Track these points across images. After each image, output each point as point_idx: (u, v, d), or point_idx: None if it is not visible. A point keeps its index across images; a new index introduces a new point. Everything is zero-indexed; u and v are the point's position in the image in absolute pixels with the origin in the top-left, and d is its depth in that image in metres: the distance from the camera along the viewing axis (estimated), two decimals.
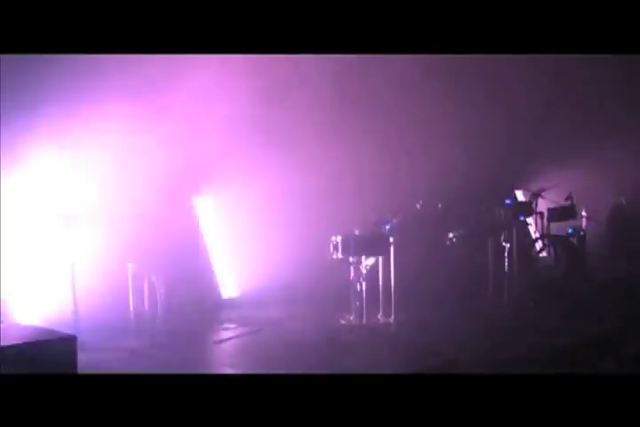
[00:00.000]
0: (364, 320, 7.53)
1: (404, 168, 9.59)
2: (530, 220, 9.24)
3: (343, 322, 7.74)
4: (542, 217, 9.20)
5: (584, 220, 9.90)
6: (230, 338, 7.41)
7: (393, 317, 7.74)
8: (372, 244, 7.61)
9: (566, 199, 9.25)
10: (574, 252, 9.33)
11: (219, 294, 9.27)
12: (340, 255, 7.51)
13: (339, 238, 7.50)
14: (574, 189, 9.38)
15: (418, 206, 9.14)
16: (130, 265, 7.67)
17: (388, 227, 7.88)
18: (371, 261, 7.64)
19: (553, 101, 10.19)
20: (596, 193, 10.36)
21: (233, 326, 8.01)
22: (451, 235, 8.88)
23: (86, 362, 4.99)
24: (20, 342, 4.66)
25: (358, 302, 7.60)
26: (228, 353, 7.03)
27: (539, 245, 9.53)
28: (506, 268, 8.43)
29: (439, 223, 10.09)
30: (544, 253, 9.55)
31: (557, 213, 9.27)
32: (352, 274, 7.68)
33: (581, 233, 9.56)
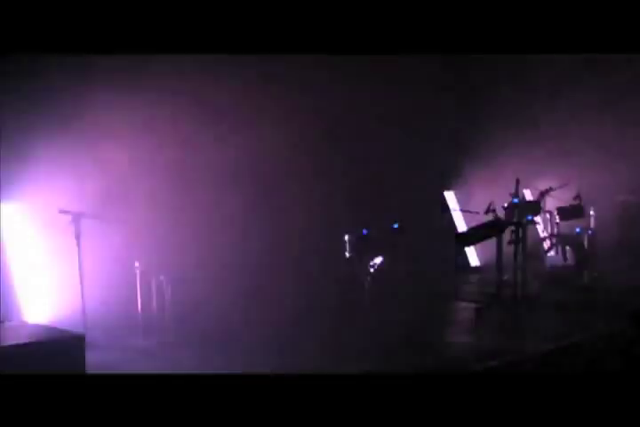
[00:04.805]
0: (371, 320, 7.52)
1: (411, 167, 9.60)
2: (537, 219, 9.23)
3: (350, 321, 7.74)
4: (550, 216, 9.19)
5: (592, 219, 9.88)
6: (237, 337, 7.41)
7: (400, 316, 7.73)
8: (380, 243, 7.61)
9: (574, 198, 9.24)
10: (582, 251, 9.32)
11: (227, 294, 9.26)
12: (347, 254, 7.51)
13: (347, 237, 7.51)
14: (583, 188, 9.37)
15: (425, 206, 9.15)
16: (137, 264, 7.69)
17: (395, 226, 7.89)
18: (378, 260, 7.63)
19: (558, 99, 10.18)
20: (604, 192, 10.34)
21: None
22: (459, 234, 8.88)
23: (94, 361, 5.01)
24: (29, 340, 4.69)
25: (366, 301, 7.60)
26: (235, 352, 7.02)
27: (546, 244, 9.52)
28: (513, 267, 8.43)
29: (445, 223, 10.13)
30: (552, 253, 9.54)
31: (566, 213, 9.26)
32: (360, 273, 7.69)
33: (590, 232, 9.56)
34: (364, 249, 7.52)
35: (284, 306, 8.39)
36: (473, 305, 8.34)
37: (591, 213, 9.90)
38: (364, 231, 7.71)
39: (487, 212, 8.23)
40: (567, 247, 9.40)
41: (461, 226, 10.76)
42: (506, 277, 8.50)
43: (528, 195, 10.80)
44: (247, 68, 7.66)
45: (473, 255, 11.06)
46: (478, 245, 10.05)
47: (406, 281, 7.90)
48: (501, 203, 8.58)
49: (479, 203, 8.56)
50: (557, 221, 9.27)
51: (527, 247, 8.51)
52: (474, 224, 8.84)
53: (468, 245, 9.75)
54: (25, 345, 4.60)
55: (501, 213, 8.50)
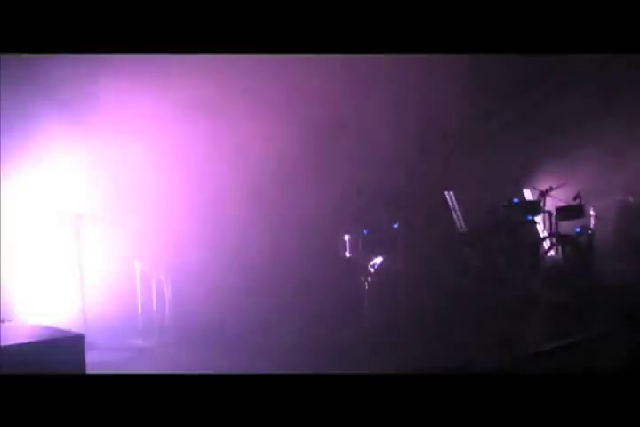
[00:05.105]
0: (371, 320, 7.53)
1: (411, 167, 9.59)
2: (537, 219, 9.23)
3: (350, 321, 7.75)
4: (550, 216, 9.19)
5: (592, 219, 9.88)
6: (237, 337, 7.42)
7: (400, 316, 7.74)
8: (380, 243, 7.62)
9: (574, 198, 9.24)
10: (582, 251, 9.32)
11: (227, 294, 9.26)
12: (347, 254, 7.52)
13: (347, 237, 7.52)
14: (582, 188, 9.37)
15: (425, 205, 9.15)
16: (137, 264, 7.70)
17: (395, 226, 7.89)
18: (378, 259, 7.64)
19: (559, 99, 10.18)
20: (604, 192, 10.34)
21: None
22: (459, 234, 8.88)
23: (95, 361, 5.00)
24: (29, 340, 4.68)
25: (366, 301, 7.61)
26: (235, 352, 7.03)
27: (546, 244, 9.52)
28: (513, 267, 8.43)
29: (447, 222, 10.12)
30: (552, 253, 9.53)
31: (565, 213, 9.26)
32: (360, 273, 7.70)
33: (589, 232, 9.56)
34: (363, 249, 7.52)
35: (284, 306, 8.41)
36: (472, 305, 8.35)
37: (591, 213, 9.90)
38: (364, 231, 7.72)
39: (487, 212, 8.24)
40: (567, 247, 9.39)
41: (461, 226, 10.75)
42: (506, 277, 8.51)
43: (528, 195, 10.80)
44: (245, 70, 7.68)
45: (473, 255, 11.05)
46: (478, 245, 10.05)
47: (406, 281, 7.90)
48: (501, 203, 8.59)
49: (479, 203, 8.56)
50: (557, 221, 9.26)
51: (527, 247, 8.52)
52: (474, 224, 8.85)
53: (469, 245, 9.74)
54: (25, 345, 4.59)
55: (501, 213, 8.51)
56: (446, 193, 11.14)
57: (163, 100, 7.58)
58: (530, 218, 8.69)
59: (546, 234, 9.69)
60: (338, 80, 8.70)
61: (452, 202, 11.01)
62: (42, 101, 7.04)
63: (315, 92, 8.60)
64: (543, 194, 9.07)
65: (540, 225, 9.80)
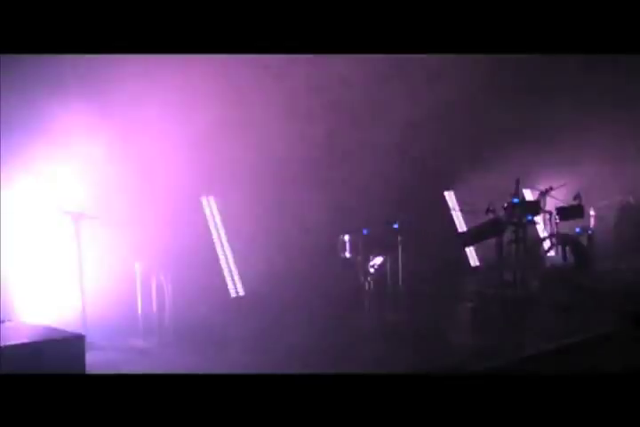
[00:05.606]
0: (372, 319, 7.53)
1: (411, 167, 9.59)
2: (538, 219, 9.23)
3: (351, 321, 7.75)
4: (550, 216, 9.19)
5: (592, 219, 9.89)
6: (237, 337, 7.42)
7: (401, 316, 7.74)
8: (380, 243, 7.62)
9: (574, 198, 9.24)
10: (582, 251, 9.32)
11: (227, 293, 9.27)
12: (348, 254, 7.53)
13: (347, 237, 7.52)
14: (582, 188, 9.37)
15: (425, 205, 9.15)
16: (137, 264, 7.69)
17: (396, 226, 7.89)
18: (379, 259, 7.65)
19: (558, 100, 10.18)
20: (604, 192, 10.34)
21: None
22: (459, 234, 8.87)
23: (94, 362, 5.02)
24: (29, 341, 4.68)
25: (366, 301, 7.61)
26: (235, 353, 7.03)
27: (546, 244, 9.52)
28: (514, 267, 8.42)
29: (447, 222, 10.11)
30: (552, 253, 9.54)
31: (565, 213, 9.26)
32: (360, 273, 7.70)
33: (589, 232, 9.56)
34: (364, 249, 7.52)
35: (284, 306, 8.41)
36: (473, 305, 8.35)
37: (591, 213, 9.90)
38: (364, 231, 7.72)
39: (487, 212, 8.23)
40: (567, 247, 9.39)
41: (461, 226, 10.76)
42: (506, 278, 8.50)
43: (528, 195, 10.80)
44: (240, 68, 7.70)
45: (473, 255, 11.06)
46: (478, 245, 10.06)
47: (407, 281, 7.91)
48: (501, 203, 8.58)
49: (479, 203, 8.55)
50: (557, 221, 9.26)
51: (527, 247, 8.51)
52: (474, 224, 8.85)
53: (468, 245, 9.75)
54: (25, 345, 4.59)
55: (501, 213, 8.50)
56: (446, 193, 11.15)
57: (167, 99, 7.59)
58: (530, 218, 8.68)
59: (546, 234, 9.69)
60: (339, 79, 8.71)
61: (452, 202, 11.02)
62: (44, 100, 7.04)
63: (315, 95, 8.63)
64: (543, 194, 9.08)
65: (540, 225, 9.80)
